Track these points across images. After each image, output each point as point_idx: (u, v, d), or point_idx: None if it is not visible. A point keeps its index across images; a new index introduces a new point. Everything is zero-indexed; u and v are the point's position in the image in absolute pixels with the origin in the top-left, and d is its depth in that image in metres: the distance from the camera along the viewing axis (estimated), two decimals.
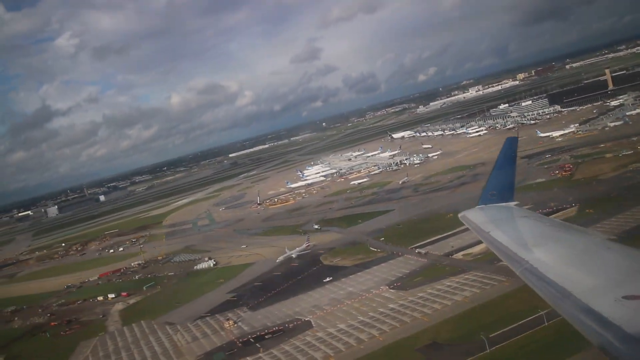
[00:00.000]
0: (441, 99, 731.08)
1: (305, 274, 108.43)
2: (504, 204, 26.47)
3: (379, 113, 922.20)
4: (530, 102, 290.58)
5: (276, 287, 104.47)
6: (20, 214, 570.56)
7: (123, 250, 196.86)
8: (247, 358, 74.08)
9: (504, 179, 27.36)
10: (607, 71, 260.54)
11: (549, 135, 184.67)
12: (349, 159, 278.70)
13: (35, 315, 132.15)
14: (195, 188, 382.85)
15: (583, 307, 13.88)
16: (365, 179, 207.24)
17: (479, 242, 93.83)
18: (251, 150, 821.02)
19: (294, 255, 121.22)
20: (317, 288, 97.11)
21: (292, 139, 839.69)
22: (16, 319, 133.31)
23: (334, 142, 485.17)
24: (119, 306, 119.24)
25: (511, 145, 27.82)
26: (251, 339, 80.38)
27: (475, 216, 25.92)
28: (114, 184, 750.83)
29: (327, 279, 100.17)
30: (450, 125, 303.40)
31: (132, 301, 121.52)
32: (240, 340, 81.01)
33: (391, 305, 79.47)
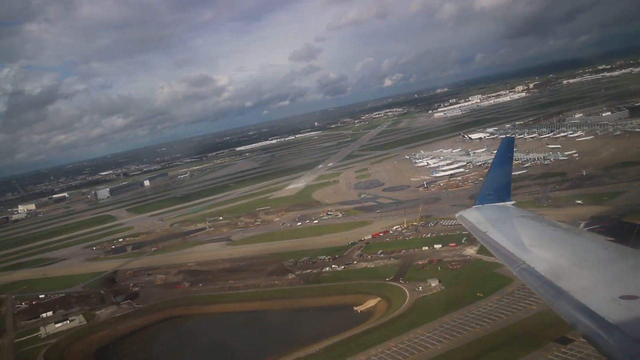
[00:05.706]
0: (447, 106, 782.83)
1: None
2: (500, 203, 27.85)
3: (375, 115, 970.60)
4: (609, 113, 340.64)
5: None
6: (55, 196, 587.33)
7: (318, 222, 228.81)
8: None
9: (500, 179, 28.51)
10: None
11: None
12: (467, 154, 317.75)
13: (360, 260, 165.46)
14: (273, 176, 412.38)
15: (580, 307, 14.20)
16: (524, 171, 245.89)
17: None
18: (259, 144, 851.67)
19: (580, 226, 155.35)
20: None
21: (297, 136, 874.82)
22: (355, 262, 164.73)
23: (386, 141, 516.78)
24: (470, 251, 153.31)
25: (507, 145, 29.29)
26: None
27: (472, 216, 27.17)
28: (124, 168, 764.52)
29: None
30: (537, 130, 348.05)
31: (472, 249, 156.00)
32: None
33: None
